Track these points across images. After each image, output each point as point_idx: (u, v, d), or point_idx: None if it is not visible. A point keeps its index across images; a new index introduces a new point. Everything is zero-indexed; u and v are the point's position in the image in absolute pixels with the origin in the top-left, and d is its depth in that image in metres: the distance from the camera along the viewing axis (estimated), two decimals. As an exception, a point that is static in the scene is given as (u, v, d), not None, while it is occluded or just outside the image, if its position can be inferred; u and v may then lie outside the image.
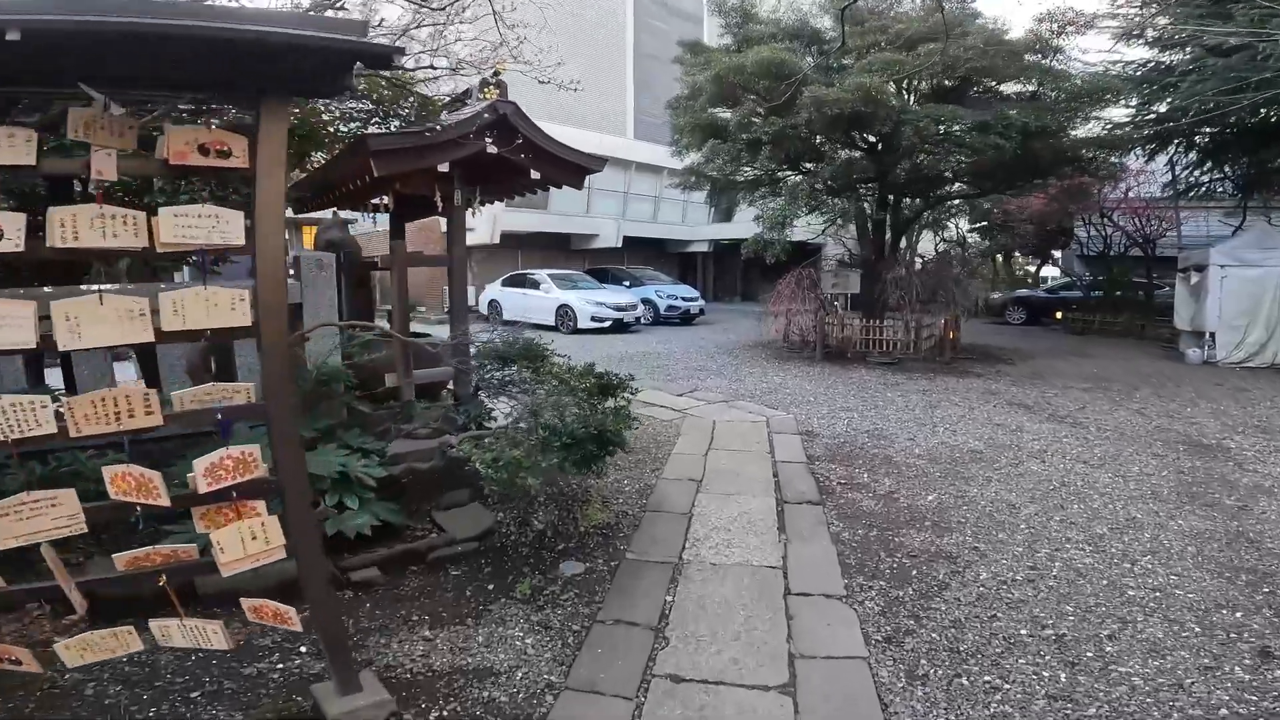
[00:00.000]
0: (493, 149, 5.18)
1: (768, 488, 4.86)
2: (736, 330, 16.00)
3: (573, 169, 6.02)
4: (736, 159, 11.29)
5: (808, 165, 11.31)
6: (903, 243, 12.58)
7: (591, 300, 15.49)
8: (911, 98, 10.69)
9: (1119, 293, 16.61)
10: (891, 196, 11.62)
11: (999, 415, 7.13)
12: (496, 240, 18.57)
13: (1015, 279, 25.45)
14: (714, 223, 26.34)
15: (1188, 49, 12.10)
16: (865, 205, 11.30)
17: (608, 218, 22.01)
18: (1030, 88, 10.58)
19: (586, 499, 4.48)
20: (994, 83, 10.62)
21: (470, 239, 19.03)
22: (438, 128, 5.02)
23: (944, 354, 10.63)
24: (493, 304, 17.80)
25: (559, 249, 22.18)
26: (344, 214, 7.51)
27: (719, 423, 6.68)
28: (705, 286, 26.78)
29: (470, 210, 6.53)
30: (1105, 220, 17.02)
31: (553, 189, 6.19)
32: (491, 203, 7.46)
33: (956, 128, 9.32)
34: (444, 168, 5.05)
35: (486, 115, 4.99)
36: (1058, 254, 24.05)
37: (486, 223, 18.18)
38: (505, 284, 17.58)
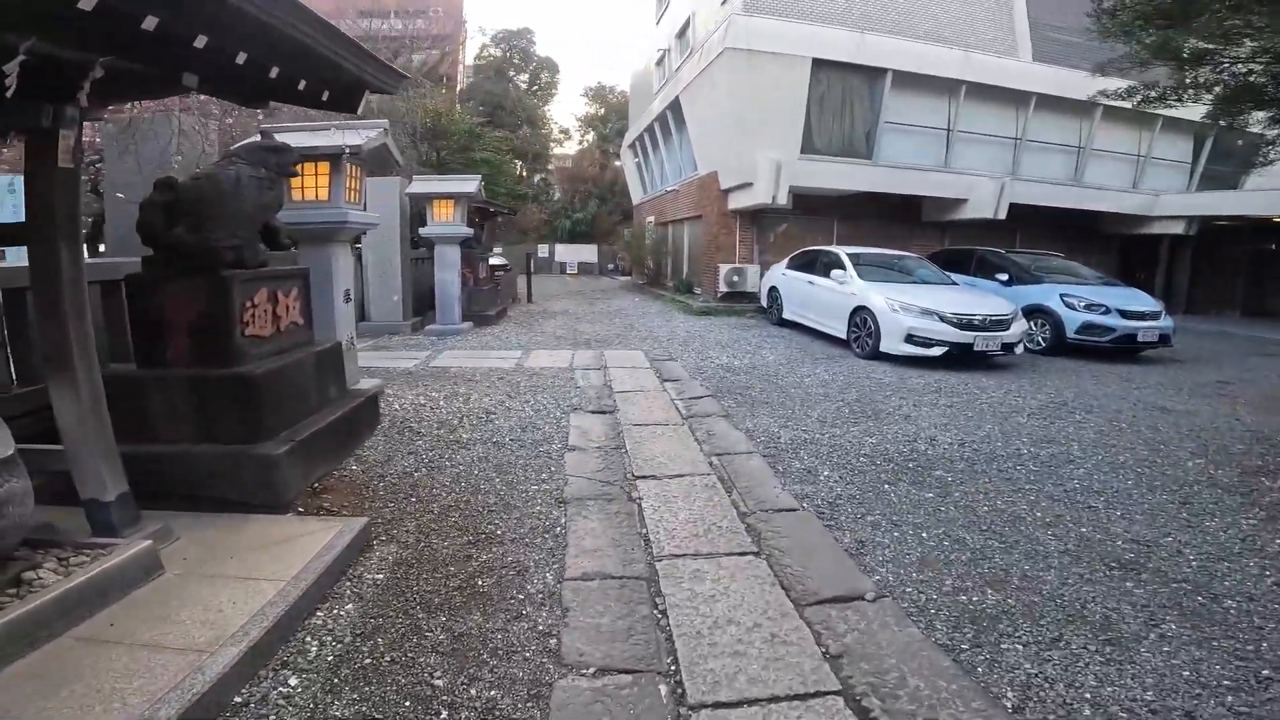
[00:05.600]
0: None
1: None
2: (1251, 389, 7.15)
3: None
4: None
5: None
6: None
7: (911, 304, 8.43)
8: None
9: None
10: None
11: None
12: (783, 201, 12.53)
13: None
14: (1199, 190, 15.47)
15: None
16: None
17: (983, 175, 13.81)
18: None
19: None
20: None
21: (744, 199, 12.11)
22: None
23: None
24: (772, 294, 12.07)
25: (901, 220, 14.92)
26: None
27: None
28: (1171, 293, 16.21)
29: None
30: None
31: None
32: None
33: None
34: None
35: None
36: None
37: (767, 176, 12.29)
38: (791, 265, 11.60)
